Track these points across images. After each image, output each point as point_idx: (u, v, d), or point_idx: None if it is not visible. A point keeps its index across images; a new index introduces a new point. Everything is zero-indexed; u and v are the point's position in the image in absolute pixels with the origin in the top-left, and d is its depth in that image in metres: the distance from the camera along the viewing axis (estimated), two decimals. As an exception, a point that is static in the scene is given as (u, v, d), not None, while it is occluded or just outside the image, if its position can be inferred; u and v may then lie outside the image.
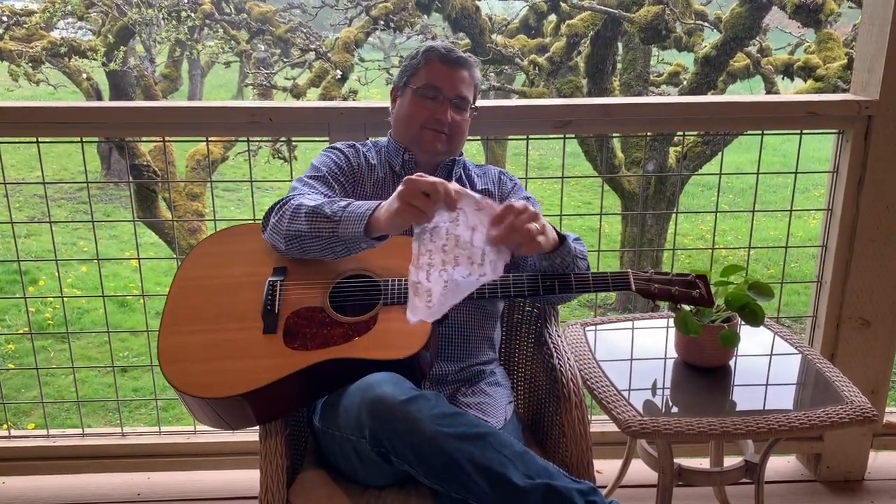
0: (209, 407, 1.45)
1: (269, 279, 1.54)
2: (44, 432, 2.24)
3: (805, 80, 4.93)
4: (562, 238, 1.49)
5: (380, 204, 1.39)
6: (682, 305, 1.62)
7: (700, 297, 1.55)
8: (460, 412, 1.34)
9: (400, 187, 1.32)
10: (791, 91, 5.83)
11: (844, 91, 4.35)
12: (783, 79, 5.42)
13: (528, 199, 1.74)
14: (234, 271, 1.59)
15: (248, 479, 2.23)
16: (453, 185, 1.33)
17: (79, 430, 2.25)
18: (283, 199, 1.55)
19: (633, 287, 1.53)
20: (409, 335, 1.44)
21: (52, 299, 6.39)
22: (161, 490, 2.22)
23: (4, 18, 6.62)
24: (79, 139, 2.06)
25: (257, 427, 1.50)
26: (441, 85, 1.66)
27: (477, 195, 1.35)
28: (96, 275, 2.40)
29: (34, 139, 2.03)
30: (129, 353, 5.76)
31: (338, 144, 1.74)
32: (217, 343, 1.48)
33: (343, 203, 1.44)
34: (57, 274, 2.25)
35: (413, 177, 1.32)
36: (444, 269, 1.34)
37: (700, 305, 1.57)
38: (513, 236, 1.34)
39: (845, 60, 4.63)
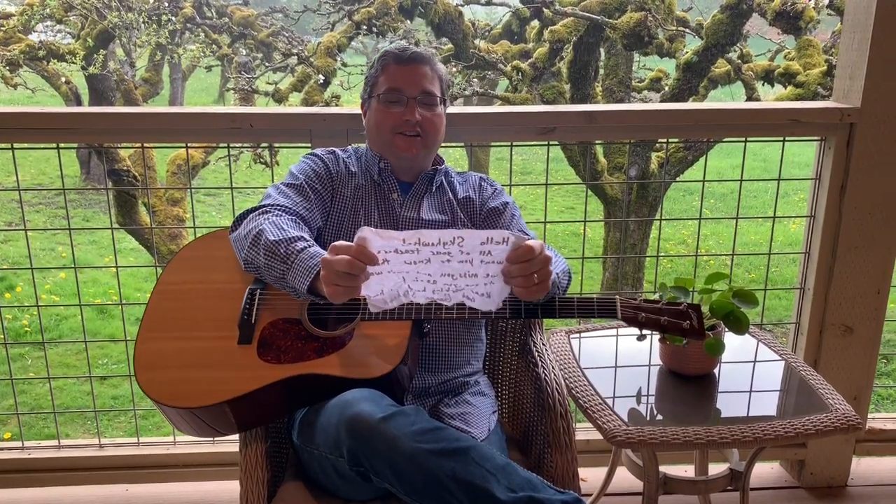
0: (187, 413, 1.42)
1: (250, 287, 1.52)
2: (19, 444, 2.19)
3: (785, 87, 4.96)
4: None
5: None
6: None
7: (691, 329, 1.49)
8: (440, 427, 1.32)
9: (322, 271, 1.31)
10: (771, 97, 5.87)
11: (824, 97, 4.38)
12: (764, 85, 5.44)
13: (507, 203, 1.72)
14: (217, 277, 1.57)
15: (228, 490, 2.19)
16: (405, 234, 1.30)
17: (55, 442, 2.20)
18: (252, 210, 1.55)
19: (620, 315, 1.49)
20: (384, 353, 1.42)
21: (29, 305, 6.30)
22: (140, 502, 2.18)
23: (-19, 22, 6.53)
24: (55, 145, 2.02)
25: (237, 438, 1.48)
26: (401, 86, 1.64)
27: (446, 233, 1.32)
28: (75, 280, 2.36)
29: (9, 145, 1.99)
30: (108, 360, 5.69)
31: (317, 151, 1.72)
32: (191, 351, 1.46)
33: (300, 245, 1.42)
34: (34, 282, 2.21)
35: (328, 255, 1.30)
36: (435, 277, 1.33)
37: (690, 337, 1.51)
38: (518, 280, 1.33)
39: (825, 67, 4.67)
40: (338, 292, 1.30)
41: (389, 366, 1.40)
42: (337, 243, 1.30)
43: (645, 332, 1.52)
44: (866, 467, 2.35)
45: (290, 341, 1.45)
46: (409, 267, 1.32)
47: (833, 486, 2.28)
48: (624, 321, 1.51)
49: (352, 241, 1.30)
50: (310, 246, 1.43)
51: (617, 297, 1.52)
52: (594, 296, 1.55)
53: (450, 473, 1.24)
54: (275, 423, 1.55)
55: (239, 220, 1.55)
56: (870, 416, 2.33)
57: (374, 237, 1.29)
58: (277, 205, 1.55)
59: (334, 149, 1.74)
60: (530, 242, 1.33)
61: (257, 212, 1.53)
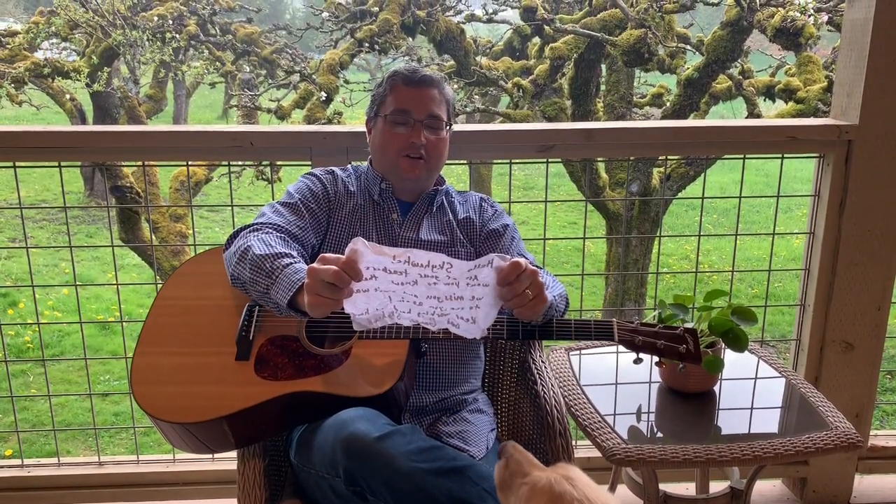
0: (182, 429, 1.42)
1: (248, 304, 1.53)
2: (18, 462, 2.19)
3: (786, 102, 4.98)
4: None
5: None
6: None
7: (687, 353, 1.49)
8: (437, 445, 1.31)
9: (306, 280, 1.30)
10: (772, 112, 5.89)
11: (825, 113, 4.39)
12: (765, 100, 5.46)
13: (507, 226, 1.72)
14: (216, 293, 1.57)
15: (228, 508, 2.19)
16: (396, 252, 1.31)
17: (54, 460, 2.20)
18: (244, 228, 1.55)
19: (616, 338, 1.50)
20: (380, 371, 1.42)
21: (31, 323, 6.31)
22: (139, 520, 2.17)
23: (-13, 40, 6.58)
24: (56, 164, 2.03)
25: (236, 455, 1.48)
26: (410, 108, 1.64)
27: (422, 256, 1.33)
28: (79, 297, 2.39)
29: (11, 163, 2.00)
30: (110, 376, 5.68)
31: (316, 171, 1.72)
32: (188, 367, 1.46)
33: (286, 261, 1.42)
34: (35, 299, 2.21)
35: (315, 265, 1.29)
36: (421, 299, 1.34)
37: (687, 362, 1.51)
38: (514, 300, 1.34)
39: (825, 83, 4.68)
40: (319, 303, 1.29)
41: (386, 385, 1.40)
42: (326, 254, 1.31)
43: (642, 355, 1.53)
44: (869, 485, 2.33)
45: (288, 358, 1.45)
46: (396, 287, 1.33)
47: (836, 503, 2.26)
48: (621, 344, 1.51)
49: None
50: (295, 262, 1.43)
51: (614, 320, 1.52)
52: (591, 319, 1.55)
53: (446, 493, 1.24)
54: (272, 440, 1.55)
55: (231, 239, 1.56)
56: (872, 433, 2.32)
57: (365, 250, 1.30)
58: (269, 223, 1.56)
59: (333, 168, 1.74)
60: (515, 259, 1.33)
61: (248, 230, 1.54)
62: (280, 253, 1.44)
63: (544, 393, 1.60)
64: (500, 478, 1.20)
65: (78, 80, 6.65)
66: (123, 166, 5.12)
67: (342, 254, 1.32)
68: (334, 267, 1.27)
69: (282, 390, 1.40)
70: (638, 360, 1.54)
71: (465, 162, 2.21)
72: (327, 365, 1.44)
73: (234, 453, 1.50)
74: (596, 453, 2.19)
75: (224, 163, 4.56)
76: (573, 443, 1.56)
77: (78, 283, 2.18)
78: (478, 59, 5.76)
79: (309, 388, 1.40)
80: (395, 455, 1.25)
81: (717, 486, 1.84)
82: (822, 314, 2.14)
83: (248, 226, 1.56)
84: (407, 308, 1.34)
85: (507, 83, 5.27)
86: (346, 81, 5.88)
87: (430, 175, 1.70)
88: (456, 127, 1.94)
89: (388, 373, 1.41)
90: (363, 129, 1.88)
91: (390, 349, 1.45)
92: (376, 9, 5.28)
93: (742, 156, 2.16)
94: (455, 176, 10.84)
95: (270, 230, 1.54)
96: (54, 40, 7.23)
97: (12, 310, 6.65)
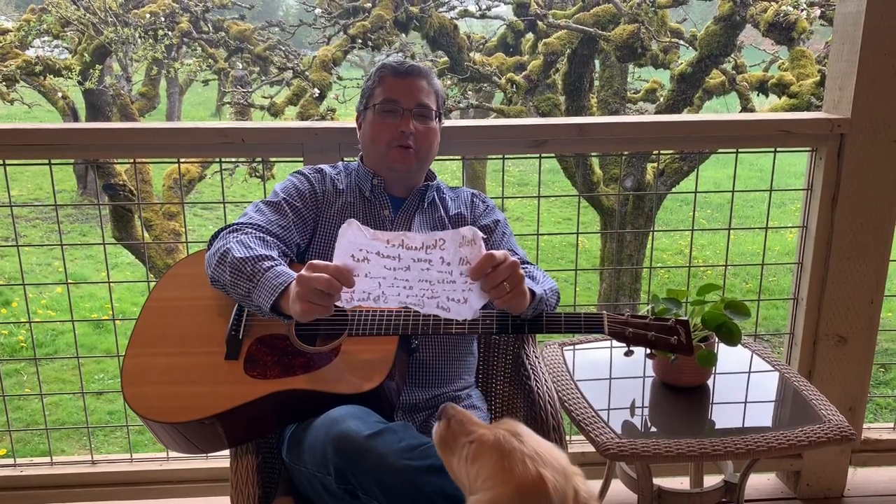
0: (172, 429, 1.42)
1: (238, 303, 1.52)
2: (10, 461, 2.18)
3: (779, 97, 4.98)
4: (532, 293, 1.46)
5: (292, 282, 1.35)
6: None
7: (678, 344, 1.48)
8: (428, 442, 1.30)
9: (295, 287, 1.30)
10: (766, 107, 5.89)
11: (818, 107, 4.40)
12: (758, 95, 5.47)
13: (498, 221, 1.72)
14: (207, 294, 1.57)
15: (222, 506, 2.18)
16: (385, 236, 1.31)
17: (47, 459, 2.19)
18: (224, 228, 1.55)
19: (607, 330, 1.49)
20: (370, 368, 1.42)
21: (24, 322, 6.29)
22: (132, 519, 2.16)
23: (-22, 38, 6.54)
24: (46, 161, 2.02)
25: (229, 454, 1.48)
26: (398, 98, 1.64)
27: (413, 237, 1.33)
28: (71, 295, 2.38)
29: (1, 162, 1.99)
30: (104, 374, 5.67)
31: (304, 169, 1.72)
32: (178, 367, 1.46)
33: (267, 264, 1.42)
34: (26, 298, 2.20)
35: (305, 272, 1.30)
36: (413, 283, 1.33)
37: (678, 353, 1.51)
38: (491, 293, 1.34)
39: (818, 77, 4.69)
40: (310, 310, 1.30)
41: (375, 381, 1.39)
42: (314, 261, 1.31)
43: (633, 347, 1.52)
44: (863, 478, 2.34)
45: (277, 357, 1.45)
46: (388, 272, 1.32)
47: (829, 497, 2.26)
48: (611, 336, 1.51)
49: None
50: (277, 265, 1.42)
51: (604, 312, 1.52)
52: (581, 311, 1.55)
53: (438, 489, 1.23)
54: (265, 438, 1.55)
55: (213, 239, 1.55)
56: (866, 426, 2.32)
57: (358, 232, 1.29)
58: (251, 223, 1.55)
59: (322, 166, 1.73)
60: (490, 252, 1.32)
61: (228, 230, 1.53)
62: (260, 255, 1.44)
63: (538, 388, 1.60)
64: (441, 438, 1.18)
65: (70, 77, 6.61)
66: (114, 163, 5.10)
67: (332, 253, 1.32)
68: (325, 275, 1.27)
69: (271, 388, 1.40)
70: (629, 353, 1.53)
71: (458, 157, 2.20)
72: (317, 363, 1.44)
73: (227, 451, 1.49)
74: (590, 448, 2.18)
75: (216, 160, 4.55)
76: (567, 438, 1.56)
77: (70, 281, 2.17)
78: (471, 54, 5.74)
79: (298, 385, 1.40)
80: (385, 453, 1.25)
81: (711, 480, 1.84)
82: (816, 308, 2.14)
83: (229, 226, 1.55)
84: (396, 292, 1.34)
85: (500, 79, 5.26)
86: (340, 78, 5.86)
87: (421, 166, 1.69)
88: (449, 122, 1.94)
89: (378, 369, 1.41)
90: (355, 125, 1.87)
91: (380, 346, 1.45)
92: (369, 5, 5.26)
93: (735, 150, 2.16)
94: (449, 172, 10.83)
95: (250, 230, 1.53)
96: (46, 38, 7.19)
97: (5, 309, 6.63)
